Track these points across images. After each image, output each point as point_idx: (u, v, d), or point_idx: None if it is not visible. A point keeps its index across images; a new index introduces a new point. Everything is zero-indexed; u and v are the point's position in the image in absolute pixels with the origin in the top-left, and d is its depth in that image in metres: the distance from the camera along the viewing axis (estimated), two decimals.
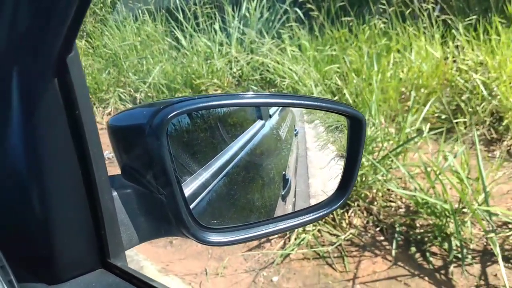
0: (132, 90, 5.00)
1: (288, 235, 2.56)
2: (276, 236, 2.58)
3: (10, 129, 0.46)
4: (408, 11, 4.17)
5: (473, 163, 2.55)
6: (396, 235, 2.44)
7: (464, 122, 3.28)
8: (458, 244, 2.26)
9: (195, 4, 5.24)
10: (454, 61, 3.72)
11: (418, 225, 2.52)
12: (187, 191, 0.62)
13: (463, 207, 2.37)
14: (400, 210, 2.63)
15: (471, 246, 2.31)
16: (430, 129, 3.04)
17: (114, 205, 0.56)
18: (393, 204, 2.66)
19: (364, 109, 3.11)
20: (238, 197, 0.75)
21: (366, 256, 2.39)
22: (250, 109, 0.86)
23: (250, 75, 4.46)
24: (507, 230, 2.32)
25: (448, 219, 2.34)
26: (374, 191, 2.67)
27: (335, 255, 2.42)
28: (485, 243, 2.32)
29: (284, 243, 2.53)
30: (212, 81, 4.47)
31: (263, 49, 4.44)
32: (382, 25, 4.22)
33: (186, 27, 5.17)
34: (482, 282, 2.13)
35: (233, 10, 5.12)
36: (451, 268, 2.22)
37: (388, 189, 2.67)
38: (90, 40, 6.23)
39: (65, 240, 0.52)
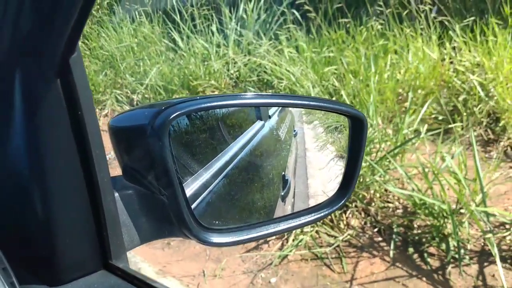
0: (129, 92, 4.99)
1: (286, 237, 2.56)
2: (274, 237, 2.58)
3: (12, 130, 0.46)
4: (405, 12, 4.18)
5: (471, 164, 2.55)
6: (394, 236, 2.44)
7: (461, 123, 3.29)
8: (456, 245, 2.27)
9: (192, 5, 5.24)
10: (451, 62, 3.73)
11: (416, 226, 2.52)
12: (188, 191, 0.62)
13: (461, 208, 2.38)
14: (398, 211, 2.63)
15: (469, 247, 2.32)
16: (428, 130, 3.05)
17: (116, 206, 0.56)
18: (390, 205, 2.66)
19: (362, 110, 3.12)
20: (238, 197, 0.75)
21: (364, 257, 2.40)
22: (249, 109, 0.86)
23: (248, 76, 4.46)
24: (505, 231, 2.32)
25: (446, 219, 2.35)
26: (372, 192, 2.67)
27: (333, 256, 2.42)
28: (482, 244, 2.33)
29: (282, 244, 2.53)
30: (209, 82, 4.46)
31: (260, 50, 4.44)
32: (379, 27, 4.22)
33: (183, 29, 5.16)
34: (480, 283, 2.13)
35: (230, 11, 5.12)
36: (449, 268, 2.23)
37: (386, 190, 2.68)
38: (86, 41, 6.22)
39: (67, 241, 0.52)
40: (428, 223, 2.46)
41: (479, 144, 3.19)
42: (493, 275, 2.16)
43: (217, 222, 0.66)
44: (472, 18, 3.89)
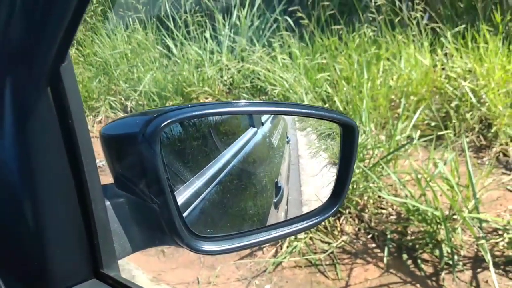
0: (123, 98, 4.98)
1: (280, 243, 2.56)
2: (268, 244, 2.58)
3: (1, 138, 0.46)
4: (397, 19, 4.21)
5: (463, 170, 2.57)
6: (387, 242, 2.44)
7: (454, 129, 3.31)
8: (449, 251, 2.28)
9: (185, 12, 5.25)
10: (443, 69, 3.75)
11: (409, 232, 2.53)
12: (180, 199, 0.62)
13: (454, 214, 2.38)
14: (391, 217, 2.64)
15: (462, 253, 2.32)
16: (420, 136, 3.06)
17: (107, 215, 0.56)
18: (384, 211, 2.67)
19: (355, 117, 3.13)
20: (230, 205, 0.75)
21: (358, 263, 2.40)
22: (242, 117, 0.86)
23: (241, 83, 4.47)
24: (497, 237, 2.33)
25: (439, 226, 2.36)
26: (365, 198, 2.68)
27: (327, 262, 2.42)
28: (476, 250, 2.34)
29: (276, 251, 2.53)
30: (203, 89, 4.47)
31: (253, 57, 4.45)
32: (371, 33, 4.25)
33: (177, 35, 5.17)
34: None
35: (223, 18, 5.13)
36: (443, 274, 2.23)
37: (379, 196, 2.68)
38: (80, 48, 6.21)
39: (57, 250, 0.52)
40: (422, 229, 2.46)
41: (471, 150, 3.20)
42: (487, 281, 2.16)
43: (209, 230, 0.66)
44: (463, 25, 3.93)
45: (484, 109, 3.26)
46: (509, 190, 2.74)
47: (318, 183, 0.92)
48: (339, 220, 2.63)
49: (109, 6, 6.13)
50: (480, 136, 3.29)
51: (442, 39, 3.93)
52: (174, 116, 0.56)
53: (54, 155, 0.48)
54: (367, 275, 2.31)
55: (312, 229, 2.58)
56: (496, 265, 2.19)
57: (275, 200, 0.85)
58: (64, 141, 0.48)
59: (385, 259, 2.37)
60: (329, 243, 2.51)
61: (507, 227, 2.28)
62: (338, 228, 2.60)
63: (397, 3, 4.25)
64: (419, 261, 2.33)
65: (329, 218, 2.57)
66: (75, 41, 6.07)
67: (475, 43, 3.71)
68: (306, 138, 0.96)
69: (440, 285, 2.19)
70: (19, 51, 0.43)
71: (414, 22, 4.09)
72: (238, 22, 5.12)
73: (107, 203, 0.57)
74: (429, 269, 2.29)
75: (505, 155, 3.10)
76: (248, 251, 2.56)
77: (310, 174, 0.98)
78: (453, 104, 3.45)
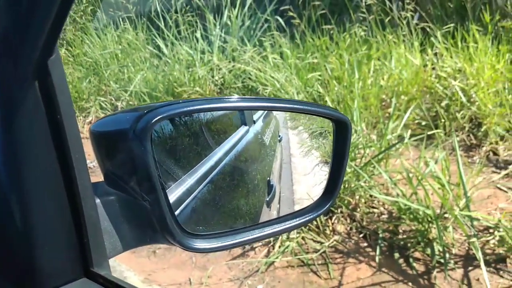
0: (113, 99, 4.95)
1: (272, 243, 2.55)
2: (260, 244, 2.57)
3: None
4: (388, 19, 4.23)
5: (454, 169, 2.58)
6: (379, 241, 2.45)
7: (444, 128, 3.32)
8: (441, 249, 2.28)
9: (176, 12, 5.23)
10: (433, 68, 3.77)
11: (401, 231, 2.53)
12: (172, 197, 0.61)
13: (445, 213, 2.39)
14: (383, 216, 2.64)
15: (454, 251, 2.33)
16: (411, 136, 3.08)
17: (97, 213, 0.55)
18: (376, 210, 2.67)
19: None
20: (223, 203, 0.74)
21: (350, 262, 2.40)
22: (234, 114, 0.86)
23: (232, 83, 4.46)
24: (488, 235, 2.34)
25: (431, 224, 2.36)
26: (357, 197, 2.68)
27: (320, 262, 2.42)
28: (467, 248, 2.35)
29: (268, 251, 2.52)
30: (194, 89, 4.45)
31: (245, 57, 4.45)
32: (362, 33, 4.26)
33: (168, 35, 5.15)
34: (465, 287, 2.15)
35: (214, 18, 5.12)
36: (434, 273, 2.24)
37: (371, 196, 2.69)
38: (70, 48, 6.17)
39: (46, 249, 0.51)
40: (413, 228, 2.47)
41: (462, 149, 3.22)
42: (478, 279, 2.17)
43: (201, 228, 0.66)
44: (453, 24, 3.95)
45: (474, 108, 3.29)
46: (499, 188, 2.76)
47: (310, 181, 0.92)
48: (331, 219, 2.63)
49: (99, 5, 6.09)
50: (471, 135, 3.31)
51: (432, 39, 3.95)
52: (165, 112, 0.56)
53: (42, 152, 0.47)
54: (359, 274, 2.31)
55: (304, 229, 2.58)
56: (487, 263, 2.20)
57: (268, 199, 0.84)
58: (53, 137, 0.47)
59: (377, 258, 2.37)
60: (321, 243, 2.51)
61: (498, 225, 2.29)
62: (330, 228, 2.60)
63: (388, 3, 4.27)
64: (411, 259, 2.34)
65: (320, 217, 2.57)
66: (64, 41, 6.03)
67: (464, 42, 3.73)
68: (298, 137, 0.96)
69: (432, 283, 2.20)
70: (3, 43, 0.42)
71: (405, 22, 4.11)
72: (229, 22, 5.12)
73: (97, 201, 0.56)
74: (421, 268, 2.30)
75: (495, 153, 3.13)
76: (240, 251, 2.55)
77: (302, 173, 0.97)
78: (443, 104, 3.47)
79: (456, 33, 3.82)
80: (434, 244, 2.33)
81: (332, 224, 2.62)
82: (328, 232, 2.57)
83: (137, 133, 0.54)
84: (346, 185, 2.66)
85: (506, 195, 2.68)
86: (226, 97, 0.69)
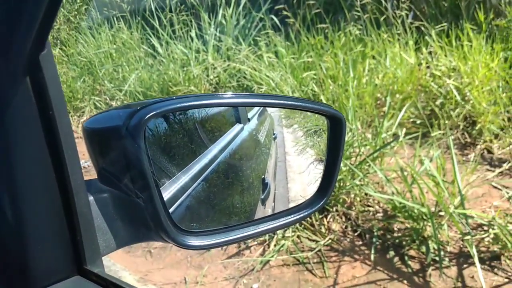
0: (107, 98, 4.94)
1: (267, 242, 2.55)
2: (255, 242, 2.57)
3: None
4: (383, 18, 4.23)
5: (449, 167, 2.59)
6: (374, 239, 2.45)
7: (439, 127, 3.33)
8: (436, 247, 2.29)
9: (171, 11, 5.22)
10: (428, 67, 3.78)
11: (396, 229, 2.54)
12: (166, 194, 0.60)
13: (440, 211, 2.40)
14: (378, 214, 2.65)
15: (448, 249, 2.34)
16: (406, 134, 3.08)
17: (90, 210, 0.54)
18: (371, 208, 2.68)
19: None
20: (217, 200, 0.74)
21: (346, 261, 2.40)
22: (228, 112, 0.86)
23: (227, 82, 4.46)
24: (483, 232, 2.35)
25: (425, 222, 2.37)
26: (352, 196, 2.68)
27: (315, 260, 2.42)
28: (461, 246, 2.36)
29: (264, 250, 2.52)
30: (189, 88, 4.44)
31: (239, 56, 4.44)
32: (357, 32, 4.27)
33: (162, 34, 5.14)
34: (460, 284, 2.15)
35: (209, 17, 5.11)
36: (429, 271, 2.24)
37: (366, 194, 2.69)
38: (64, 48, 6.14)
39: (39, 246, 0.50)
40: (408, 226, 2.48)
41: (456, 147, 3.23)
42: (472, 277, 2.18)
43: (195, 225, 0.65)
44: (447, 23, 3.96)
45: (469, 107, 3.30)
46: (493, 186, 2.77)
47: (305, 180, 0.92)
48: (326, 218, 2.63)
49: (93, 5, 6.07)
50: (465, 133, 3.32)
51: (426, 37, 3.96)
52: (158, 108, 0.55)
53: (34, 148, 0.47)
54: (354, 273, 2.31)
55: (299, 227, 2.58)
56: (481, 261, 2.21)
57: (262, 197, 0.84)
58: (45, 134, 0.47)
59: (372, 256, 2.37)
60: (317, 241, 2.51)
61: (492, 223, 2.30)
62: (326, 226, 2.60)
63: (383, 1, 4.27)
64: (406, 257, 2.34)
65: (316, 216, 2.57)
66: (58, 41, 6.01)
67: (459, 41, 3.75)
68: (293, 135, 0.96)
69: (426, 281, 2.21)
70: None
71: (399, 20, 4.12)
72: (224, 21, 5.11)
73: (91, 198, 0.56)
74: (415, 266, 2.30)
75: (489, 152, 3.14)
76: (235, 250, 2.55)
77: (297, 171, 0.97)
78: (438, 102, 3.48)
79: (450, 31, 3.83)
80: (429, 242, 2.34)
81: (328, 222, 2.62)
82: (323, 230, 2.58)
83: (130, 130, 0.53)
84: (341, 184, 2.66)
85: (500, 193, 2.69)
86: (220, 93, 0.68)
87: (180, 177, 0.66)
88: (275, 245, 2.50)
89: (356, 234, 2.56)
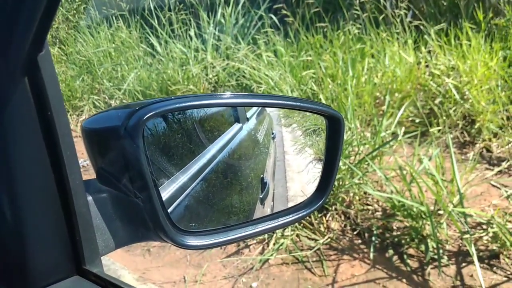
0: (106, 97, 4.94)
1: (266, 241, 2.56)
2: (254, 241, 2.57)
3: None
4: (382, 17, 4.24)
5: (447, 166, 2.59)
6: (373, 238, 2.46)
7: (438, 126, 3.34)
8: (435, 246, 2.29)
9: (170, 10, 5.22)
10: (427, 66, 3.79)
11: (395, 227, 2.54)
12: (165, 194, 0.61)
13: (439, 209, 2.41)
14: (377, 213, 2.65)
15: (447, 248, 2.34)
16: (405, 133, 3.09)
17: (89, 210, 0.54)
18: (370, 207, 2.68)
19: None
20: (216, 200, 0.74)
21: (345, 259, 2.40)
22: (227, 112, 0.86)
23: (226, 81, 4.46)
24: (482, 231, 2.36)
25: (424, 221, 2.37)
26: (351, 194, 2.68)
27: (314, 259, 2.42)
28: (460, 244, 2.36)
29: (263, 249, 2.52)
30: (188, 87, 4.44)
31: (238, 55, 4.44)
32: (356, 31, 4.27)
33: (161, 33, 5.14)
34: (459, 283, 2.16)
35: (208, 16, 5.11)
36: (428, 269, 2.25)
37: (365, 193, 2.69)
38: (63, 47, 6.14)
39: (38, 246, 0.50)
40: (407, 224, 2.48)
41: (455, 146, 3.24)
42: (471, 275, 2.18)
43: (194, 225, 0.65)
44: (446, 22, 3.97)
45: (468, 106, 3.30)
46: (492, 185, 2.78)
47: (304, 179, 0.92)
48: (325, 217, 2.64)
49: (92, 4, 6.07)
50: (464, 132, 3.32)
51: (425, 36, 3.97)
52: (157, 109, 0.55)
53: (33, 149, 0.47)
54: (353, 271, 2.32)
55: (298, 226, 2.58)
56: (480, 259, 2.21)
57: (261, 196, 0.84)
58: (43, 134, 0.47)
59: (371, 255, 2.38)
60: (316, 240, 2.52)
61: (491, 222, 2.30)
62: (325, 225, 2.60)
63: (381, 0, 4.27)
64: (405, 256, 2.35)
65: (315, 214, 2.57)
66: (57, 40, 6.00)
67: (458, 40, 3.75)
68: (292, 134, 0.96)
69: (425, 279, 2.21)
70: None
71: (398, 19, 4.12)
72: (222, 20, 5.11)
73: (89, 198, 0.56)
74: (414, 264, 2.31)
75: (488, 150, 3.14)
76: (234, 249, 2.55)
77: (296, 170, 0.97)
78: (437, 101, 3.48)
79: (449, 30, 3.83)
80: (428, 240, 2.34)
81: (327, 221, 2.62)
82: (322, 229, 2.58)
83: (128, 130, 0.53)
84: (340, 183, 2.66)
85: (499, 192, 2.69)
86: (219, 93, 0.68)
87: (179, 177, 0.66)
88: (274, 244, 2.50)
89: (355, 232, 2.56)
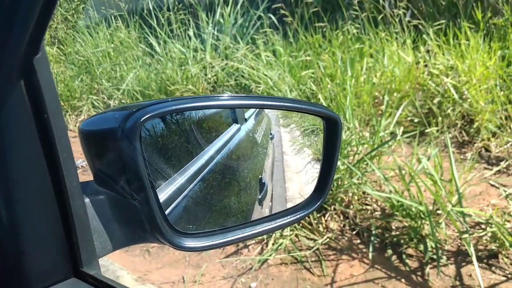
0: (105, 97, 4.93)
1: (265, 241, 2.56)
2: (253, 241, 2.57)
3: None
4: (380, 16, 4.24)
5: (446, 165, 2.59)
6: (372, 238, 2.46)
7: (436, 125, 3.34)
8: (433, 246, 2.29)
9: (168, 10, 5.22)
10: (426, 66, 3.79)
11: (393, 227, 2.54)
12: (162, 196, 0.60)
13: (438, 209, 2.41)
14: (376, 213, 2.65)
15: (446, 247, 2.34)
16: (404, 133, 3.08)
17: (86, 212, 0.54)
18: (369, 207, 2.68)
19: (339, 114, 3.14)
20: (214, 201, 0.74)
21: (344, 259, 2.40)
22: (225, 113, 0.85)
23: (225, 81, 4.46)
24: (480, 231, 2.36)
25: (423, 221, 2.37)
26: (350, 194, 2.68)
27: (313, 259, 2.42)
28: (459, 244, 2.36)
29: (262, 249, 2.52)
30: (187, 87, 4.44)
31: (237, 54, 4.44)
32: (355, 31, 4.27)
33: (160, 33, 5.14)
34: (458, 283, 2.16)
35: (207, 16, 5.11)
36: (427, 269, 2.25)
37: (364, 192, 2.69)
38: (62, 47, 6.14)
39: (35, 249, 0.50)
40: (406, 224, 2.48)
41: (454, 145, 3.24)
42: (470, 275, 2.18)
43: (192, 226, 0.65)
44: (445, 22, 3.97)
45: (466, 105, 3.30)
46: (491, 184, 2.78)
47: (302, 179, 0.92)
48: (324, 216, 2.64)
49: (91, 4, 6.07)
50: (463, 132, 3.32)
51: (424, 36, 3.97)
52: (154, 110, 0.55)
53: (29, 151, 0.47)
54: (352, 271, 2.32)
55: (297, 226, 2.58)
56: (479, 259, 2.21)
57: (259, 197, 0.84)
58: (40, 136, 0.47)
59: (370, 255, 2.38)
60: (315, 240, 2.52)
61: (490, 221, 2.31)
62: (323, 225, 2.60)
63: (380, 0, 4.27)
64: (403, 256, 2.35)
65: (314, 214, 2.57)
66: (56, 40, 6.00)
67: (456, 40, 3.75)
68: (290, 135, 0.96)
69: (424, 279, 2.21)
70: None
71: (397, 19, 4.12)
72: (221, 20, 5.11)
73: (87, 200, 0.56)
74: (413, 264, 2.31)
75: (487, 150, 3.14)
76: (233, 249, 2.55)
77: (295, 170, 0.97)
78: (435, 101, 3.48)
79: (448, 30, 3.83)
80: (427, 240, 2.34)
81: (325, 221, 2.62)
82: (321, 229, 2.58)
83: (125, 132, 0.53)
84: (339, 182, 2.67)
85: (498, 191, 2.70)
86: (217, 95, 0.68)
87: (176, 178, 0.66)
88: (273, 244, 2.50)
89: (354, 232, 2.56)
